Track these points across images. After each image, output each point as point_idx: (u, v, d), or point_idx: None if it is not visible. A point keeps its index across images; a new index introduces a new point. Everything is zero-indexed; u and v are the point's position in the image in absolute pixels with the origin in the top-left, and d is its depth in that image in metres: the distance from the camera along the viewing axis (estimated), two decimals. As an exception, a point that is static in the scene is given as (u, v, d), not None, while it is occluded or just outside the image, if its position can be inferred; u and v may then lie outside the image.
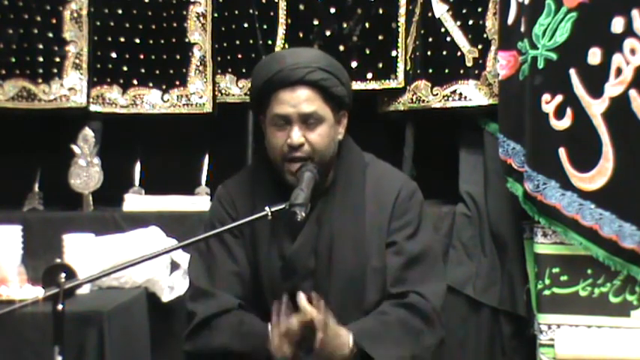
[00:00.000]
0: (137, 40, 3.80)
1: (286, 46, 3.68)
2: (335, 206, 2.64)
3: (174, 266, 3.38)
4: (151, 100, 3.81)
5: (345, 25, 3.67)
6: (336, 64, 2.66)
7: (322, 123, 2.58)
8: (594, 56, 3.20)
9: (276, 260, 2.62)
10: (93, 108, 3.80)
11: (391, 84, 3.65)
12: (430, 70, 3.62)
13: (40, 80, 3.77)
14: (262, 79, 2.61)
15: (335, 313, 2.51)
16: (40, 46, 3.77)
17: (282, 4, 3.72)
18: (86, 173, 3.75)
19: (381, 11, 3.66)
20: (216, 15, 3.78)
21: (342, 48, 3.63)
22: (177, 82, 3.79)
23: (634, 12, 3.16)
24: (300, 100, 2.56)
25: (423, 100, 3.63)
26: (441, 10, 3.58)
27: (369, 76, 3.63)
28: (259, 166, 2.72)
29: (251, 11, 3.75)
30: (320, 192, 2.63)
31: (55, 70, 3.77)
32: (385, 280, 2.61)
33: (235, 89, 3.80)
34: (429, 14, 3.59)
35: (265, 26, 3.75)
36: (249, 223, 2.51)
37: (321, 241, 2.61)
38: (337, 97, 2.61)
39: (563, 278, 3.31)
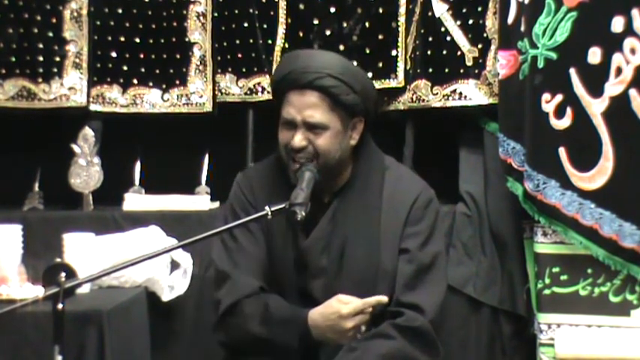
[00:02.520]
0: (137, 40, 3.79)
1: (286, 45, 3.68)
2: (351, 206, 2.65)
3: (174, 266, 3.37)
4: (151, 100, 3.81)
5: (345, 25, 3.67)
6: (352, 72, 2.65)
7: (327, 130, 2.59)
8: (594, 56, 3.20)
9: (290, 254, 2.63)
10: (93, 107, 3.79)
11: (391, 83, 3.65)
12: (430, 70, 3.62)
13: (40, 80, 3.77)
14: (277, 77, 2.66)
15: None
16: (40, 46, 3.77)
17: (282, 4, 3.71)
18: (86, 173, 3.74)
19: (381, 11, 3.65)
20: (216, 14, 3.77)
21: (342, 47, 3.62)
22: (178, 82, 3.79)
23: (634, 11, 3.15)
24: (306, 105, 2.57)
25: (423, 100, 3.62)
26: (441, 10, 3.58)
27: (369, 75, 3.62)
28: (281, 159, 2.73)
29: (251, 11, 3.75)
30: (334, 191, 2.66)
31: (55, 70, 3.77)
32: (395, 284, 2.62)
33: (235, 89, 3.80)
34: (429, 14, 3.59)
35: (265, 26, 3.74)
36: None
37: (334, 240, 2.63)
38: (347, 105, 2.60)
39: (563, 278, 3.31)
